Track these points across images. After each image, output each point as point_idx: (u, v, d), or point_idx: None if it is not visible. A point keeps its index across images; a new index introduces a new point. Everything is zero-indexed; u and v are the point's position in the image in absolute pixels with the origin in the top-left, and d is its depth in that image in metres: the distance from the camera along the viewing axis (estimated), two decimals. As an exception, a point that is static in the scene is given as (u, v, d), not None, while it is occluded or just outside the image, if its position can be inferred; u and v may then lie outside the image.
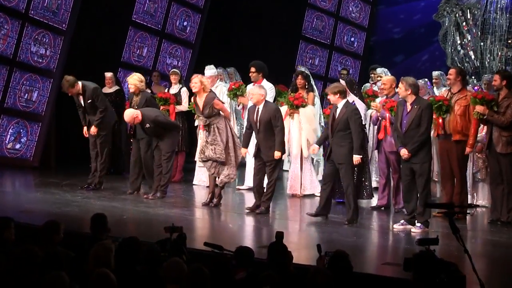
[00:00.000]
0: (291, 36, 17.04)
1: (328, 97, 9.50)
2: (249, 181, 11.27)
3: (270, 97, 11.16)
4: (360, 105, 10.39)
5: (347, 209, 9.42)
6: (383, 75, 11.32)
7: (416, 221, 8.98)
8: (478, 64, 15.97)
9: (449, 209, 5.47)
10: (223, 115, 10.22)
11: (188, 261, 5.44)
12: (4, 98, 12.78)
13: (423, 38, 17.13)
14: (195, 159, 11.76)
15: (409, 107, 9.01)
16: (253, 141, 10.20)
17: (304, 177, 11.21)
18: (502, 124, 9.39)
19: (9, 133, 13.00)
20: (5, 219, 6.27)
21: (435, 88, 12.02)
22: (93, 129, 11.02)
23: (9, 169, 12.79)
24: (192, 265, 5.02)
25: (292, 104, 11.20)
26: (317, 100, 11.72)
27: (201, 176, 11.93)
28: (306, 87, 11.39)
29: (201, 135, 10.59)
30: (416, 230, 8.91)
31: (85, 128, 11.16)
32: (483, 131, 10.00)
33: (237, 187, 11.72)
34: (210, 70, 11.92)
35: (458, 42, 16.19)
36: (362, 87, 12.53)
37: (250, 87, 11.14)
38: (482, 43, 15.95)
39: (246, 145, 10.22)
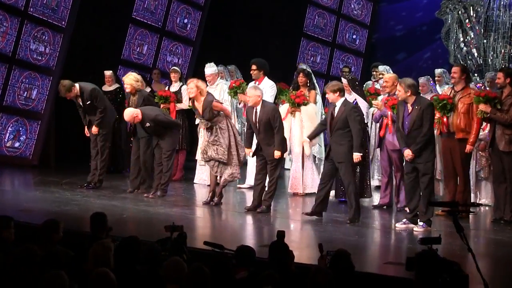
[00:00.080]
0: (293, 34, 16.98)
1: (327, 95, 9.46)
2: (250, 179, 11.23)
3: (271, 95, 11.12)
4: (362, 103, 10.37)
5: (348, 208, 9.38)
6: (385, 73, 11.34)
7: (418, 220, 8.94)
8: (481, 62, 15.92)
9: (452, 207, 5.45)
10: (224, 114, 10.18)
11: (189, 261, 5.43)
12: (3, 96, 12.72)
13: (426, 35, 17.06)
14: (196, 158, 11.72)
15: (410, 108, 8.96)
16: (254, 140, 10.15)
17: (305, 175, 11.17)
18: (505, 122, 9.34)
19: (8, 131, 12.94)
20: (4, 218, 6.25)
21: (437, 86, 11.97)
22: (94, 129, 11.00)
23: (8, 168, 12.73)
24: (193, 264, 5.00)
25: (293, 102, 11.15)
26: (319, 98, 11.68)
27: (201, 175, 11.90)
28: (308, 85, 11.35)
29: (202, 134, 10.54)
30: (418, 229, 8.87)
31: (86, 128, 11.13)
32: (486, 129, 9.94)
33: (238, 185, 11.67)
34: (210, 67, 11.86)
35: (461, 39, 16.14)
36: (364, 85, 12.49)
37: (251, 85, 11.09)
38: (485, 41, 15.90)
39: (249, 145, 10.19)
